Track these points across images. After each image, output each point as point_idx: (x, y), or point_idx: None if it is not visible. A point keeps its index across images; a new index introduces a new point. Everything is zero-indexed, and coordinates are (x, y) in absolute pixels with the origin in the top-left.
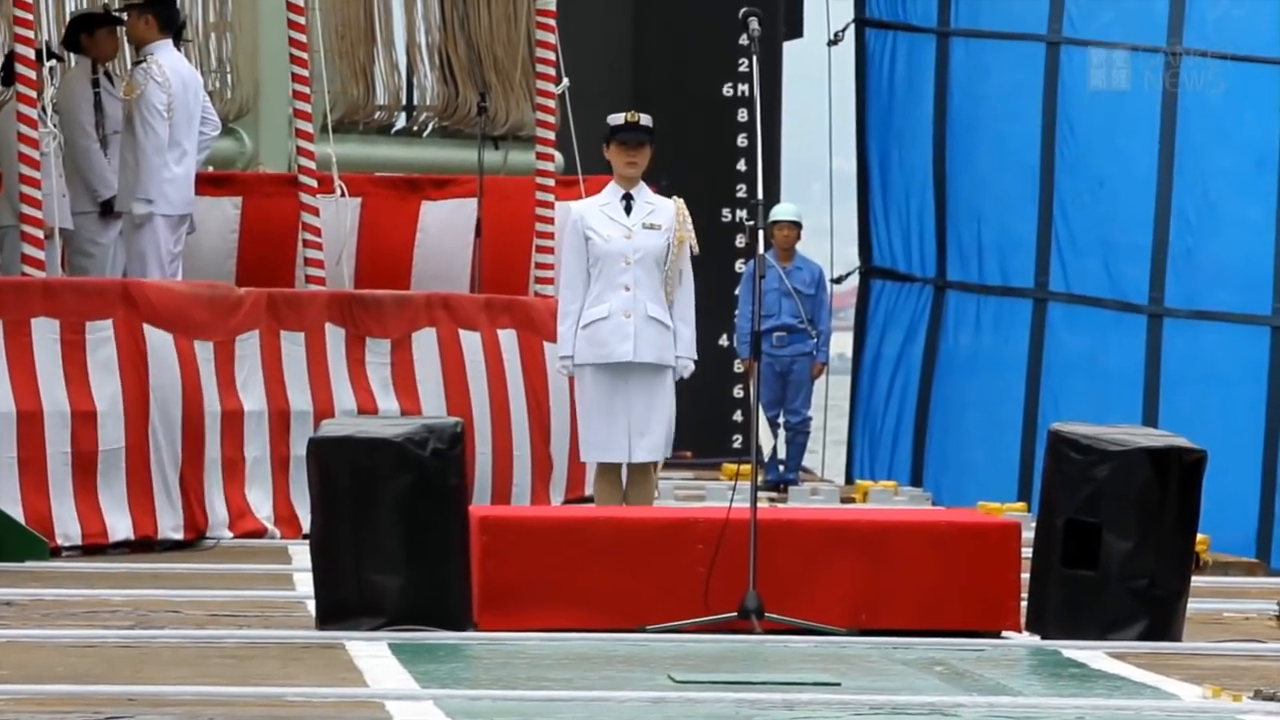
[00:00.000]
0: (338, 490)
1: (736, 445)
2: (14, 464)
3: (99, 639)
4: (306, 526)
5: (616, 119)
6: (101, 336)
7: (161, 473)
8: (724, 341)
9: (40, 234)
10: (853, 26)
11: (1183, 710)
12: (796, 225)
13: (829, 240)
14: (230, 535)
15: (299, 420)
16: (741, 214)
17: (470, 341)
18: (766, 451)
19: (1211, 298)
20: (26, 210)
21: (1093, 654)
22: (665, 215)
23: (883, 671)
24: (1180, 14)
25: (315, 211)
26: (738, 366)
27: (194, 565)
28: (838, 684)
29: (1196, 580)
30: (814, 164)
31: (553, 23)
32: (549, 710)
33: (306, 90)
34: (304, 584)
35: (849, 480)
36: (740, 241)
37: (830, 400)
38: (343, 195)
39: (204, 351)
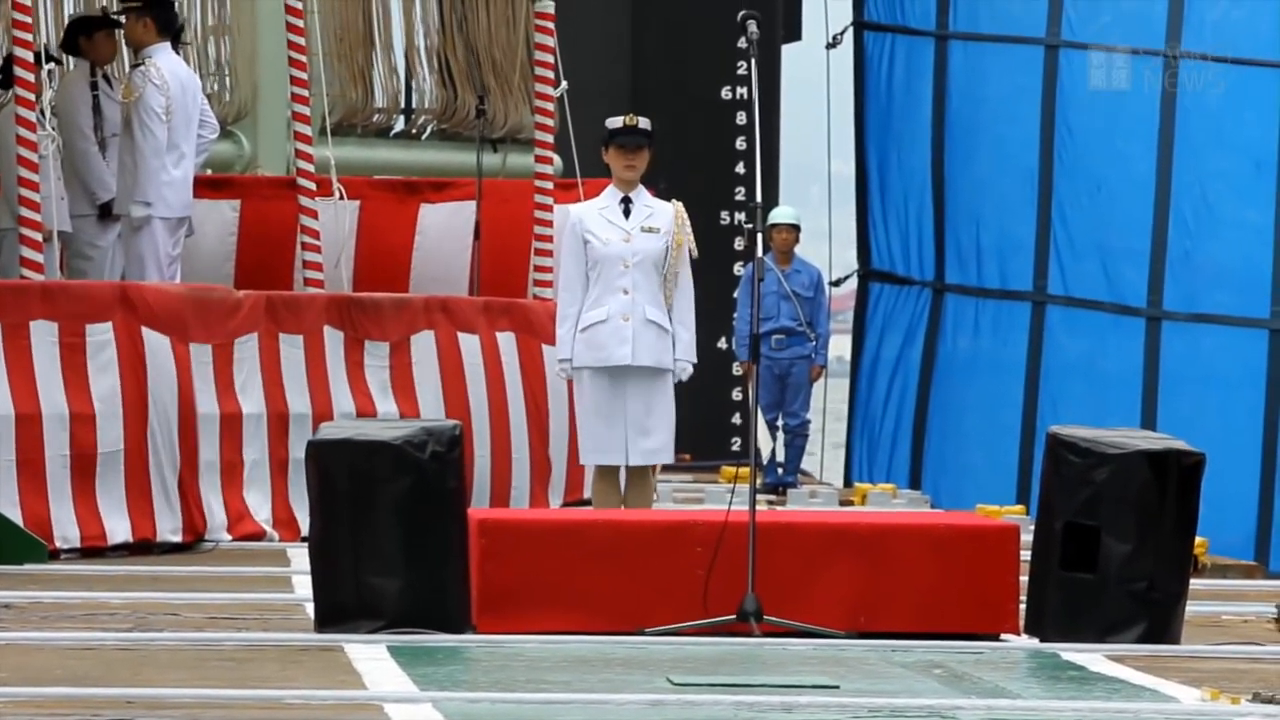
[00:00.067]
0: (336, 493)
1: (735, 448)
2: (12, 466)
3: (97, 641)
4: (305, 529)
5: (615, 122)
6: (100, 339)
7: (160, 475)
8: (722, 344)
9: (39, 237)
10: (851, 29)
11: (1181, 713)
12: (795, 228)
13: (827, 243)
14: (229, 538)
15: (298, 423)
16: (740, 217)
17: (469, 344)
18: (765, 454)
19: (1210, 300)
20: (25, 213)
21: (1091, 657)
22: (664, 218)
23: (881, 674)
24: (1179, 16)
25: (314, 214)
26: (736, 369)
27: (193, 568)
28: (836, 687)
29: (1195, 583)
30: (812, 167)
31: (551, 26)
32: (547, 713)
33: (305, 93)
34: (303, 587)
35: (847, 483)
36: (739, 244)
37: (829, 403)
38: (341, 198)
39: (202, 354)
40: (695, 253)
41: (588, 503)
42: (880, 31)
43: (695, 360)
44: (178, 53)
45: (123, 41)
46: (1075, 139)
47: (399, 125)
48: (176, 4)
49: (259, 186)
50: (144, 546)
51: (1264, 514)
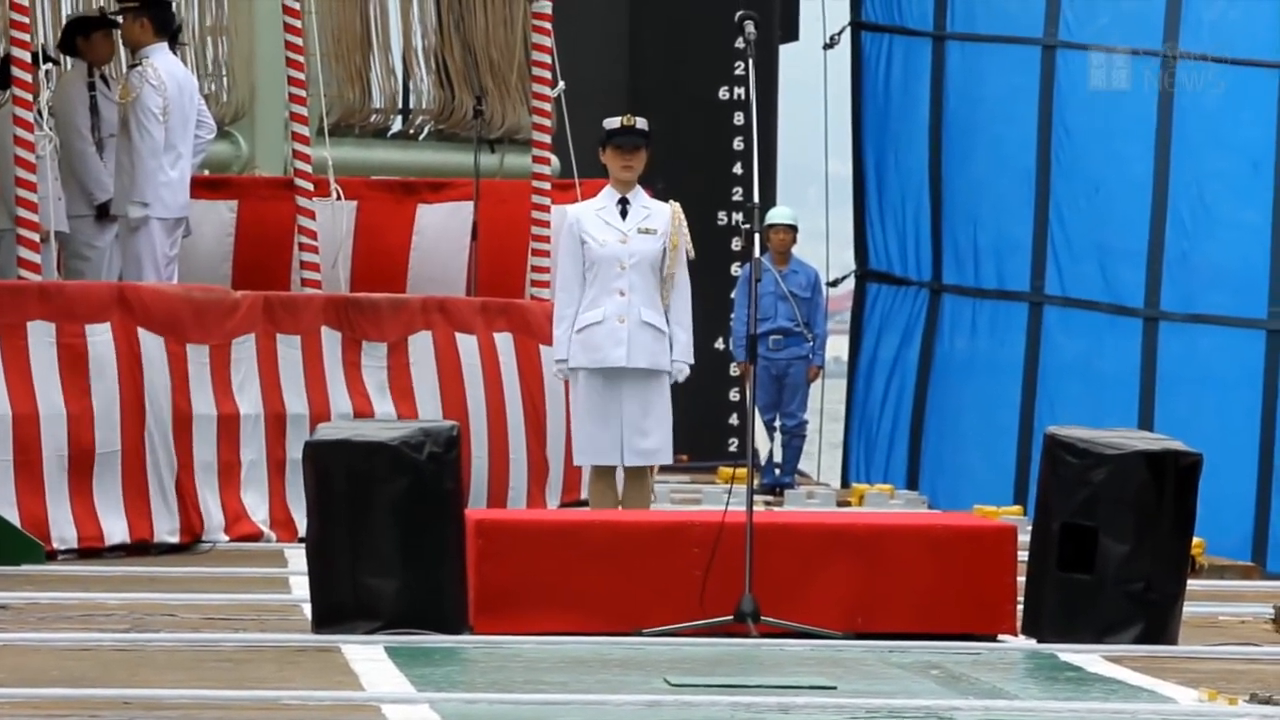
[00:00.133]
0: (334, 494)
1: (733, 449)
2: (9, 467)
3: (95, 642)
4: (302, 530)
5: (612, 123)
6: (97, 340)
7: (157, 476)
8: (720, 345)
9: (36, 237)
10: (848, 30)
11: (1179, 714)
12: (792, 229)
13: (825, 244)
14: (226, 539)
15: (295, 424)
16: (737, 217)
17: (466, 345)
18: (763, 455)
19: (1207, 301)
20: (22, 213)
21: (1089, 657)
22: (661, 220)
23: (878, 675)
24: (1176, 17)
25: (311, 215)
26: (733, 370)
27: (190, 569)
28: (833, 687)
29: (1192, 584)
30: (810, 167)
31: (549, 26)
32: (545, 714)
33: (302, 94)
34: (300, 587)
35: (845, 484)
36: (736, 245)
37: (826, 403)
38: (339, 198)
39: (200, 355)
40: (692, 254)
41: (585, 503)
42: (878, 32)
43: (692, 361)
44: (175, 53)
45: (120, 42)
46: (1073, 139)
47: (396, 126)
48: (174, 4)
49: (256, 187)
50: (141, 547)
51: (1261, 515)
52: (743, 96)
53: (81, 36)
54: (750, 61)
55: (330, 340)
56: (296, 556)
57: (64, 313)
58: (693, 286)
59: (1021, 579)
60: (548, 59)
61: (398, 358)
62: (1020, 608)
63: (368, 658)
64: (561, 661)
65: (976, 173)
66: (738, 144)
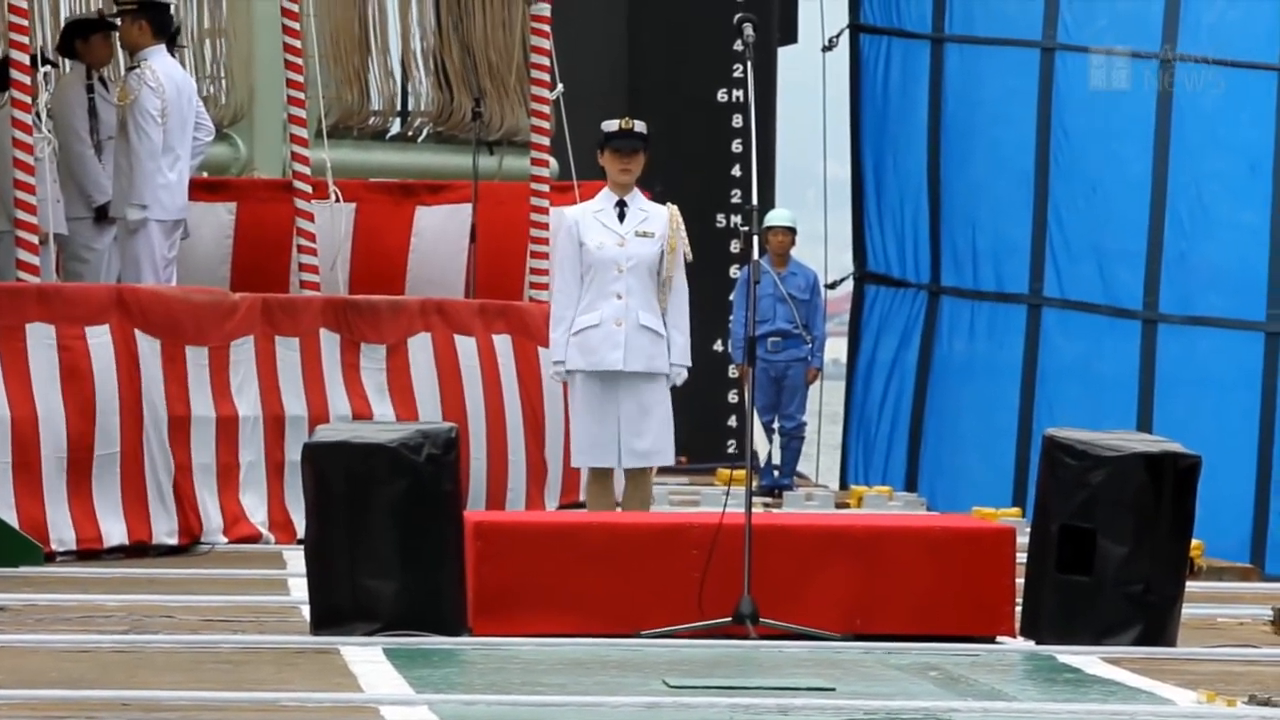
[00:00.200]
0: (332, 495)
1: (731, 450)
2: (8, 469)
3: (93, 644)
4: (301, 532)
5: (610, 126)
6: (96, 342)
7: (156, 478)
8: (718, 347)
9: (35, 239)
10: (847, 32)
11: (1177, 715)
12: (791, 231)
13: (823, 246)
14: (225, 540)
15: (294, 425)
16: (736, 219)
17: (465, 347)
18: (762, 457)
19: (1205, 303)
20: (21, 215)
21: (1087, 659)
22: (659, 223)
23: (877, 677)
24: (1175, 19)
25: (310, 217)
26: (732, 372)
27: (188, 570)
28: (832, 689)
29: (1191, 585)
30: (808, 169)
31: (547, 28)
32: (543, 715)
33: (301, 96)
34: (299, 589)
35: (843, 485)
36: (735, 247)
37: (825, 405)
38: (337, 201)
39: (198, 357)
40: (690, 257)
41: (583, 505)
42: (876, 34)
43: (689, 364)
44: (173, 55)
45: (118, 44)
46: (1071, 141)
47: (395, 128)
48: (172, 7)
49: (255, 189)
50: (140, 549)
51: (1260, 517)
52: (741, 99)
53: (80, 39)
54: (749, 64)
55: (329, 342)
56: (295, 558)
57: (63, 315)
58: (691, 289)
59: (1020, 581)
60: (546, 61)
61: (396, 360)
62: (1019, 609)
63: (366, 659)
64: (560, 663)
65: (975, 175)
66: (736, 146)
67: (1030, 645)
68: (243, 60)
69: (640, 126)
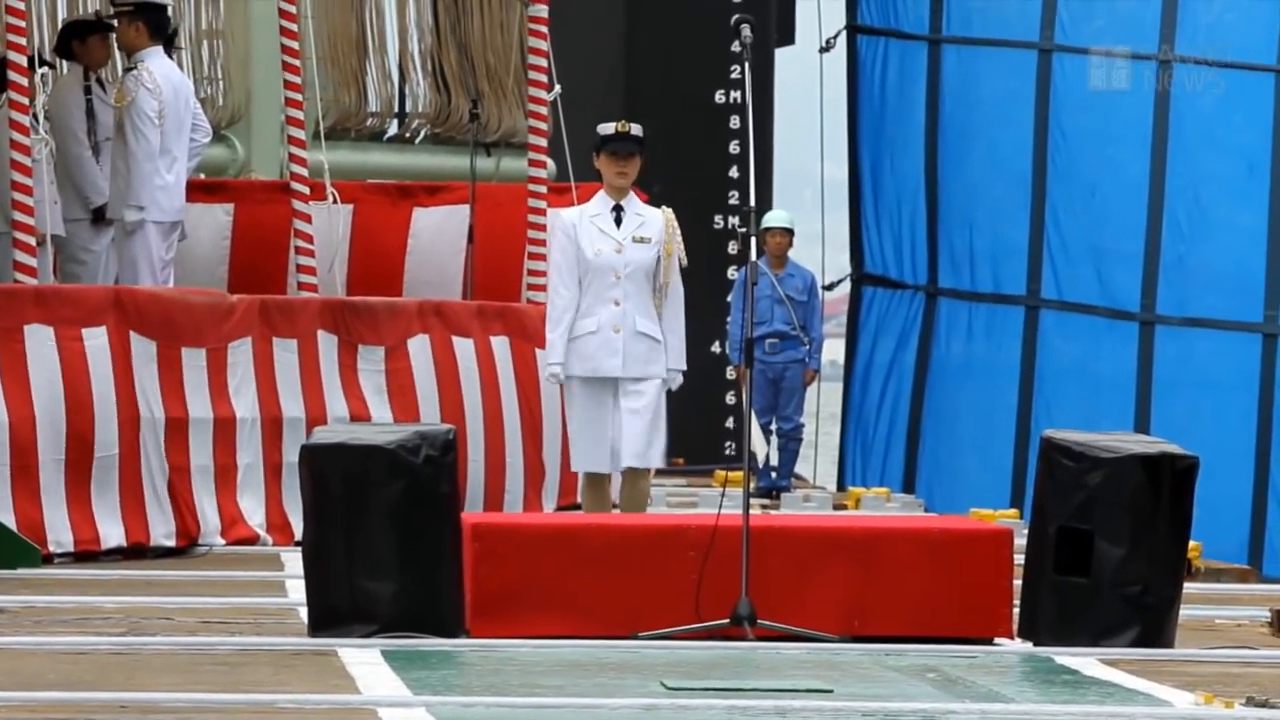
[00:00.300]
0: (330, 497)
1: (729, 452)
2: (6, 471)
3: (91, 646)
4: (299, 533)
5: (607, 129)
6: (93, 343)
7: (153, 480)
8: (716, 348)
9: (32, 241)
10: (844, 33)
11: (1175, 717)
12: (789, 232)
13: (821, 247)
14: (222, 542)
15: (291, 427)
16: (734, 221)
17: (463, 348)
18: (760, 458)
19: (1203, 304)
20: (19, 217)
21: (1085, 661)
22: (655, 227)
23: (875, 678)
24: (1172, 20)
25: (307, 218)
26: (730, 373)
27: (186, 572)
28: (830, 691)
29: (1188, 587)
30: (806, 171)
31: (545, 30)
32: (541, 717)
33: (298, 97)
34: (296, 591)
35: (841, 487)
36: (733, 248)
37: (822, 407)
38: (335, 202)
39: (196, 358)
40: (685, 261)
41: (581, 507)
42: (873, 35)
43: (685, 368)
44: (170, 57)
45: (115, 46)
46: (1068, 143)
47: (392, 129)
48: (169, 8)
49: (252, 190)
50: (137, 551)
51: (1257, 518)
52: (739, 100)
53: (77, 40)
54: (746, 65)
55: (326, 344)
56: (293, 560)
57: (60, 316)
58: (689, 290)
59: (1018, 582)
60: (544, 62)
61: (394, 361)
62: (1016, 611)
63: (364, 661)
64: (558, 665)
65: (972, 176)
66: (734, 147)
67: (1028, 647)
68: (240, 62)
69: (636, 129)
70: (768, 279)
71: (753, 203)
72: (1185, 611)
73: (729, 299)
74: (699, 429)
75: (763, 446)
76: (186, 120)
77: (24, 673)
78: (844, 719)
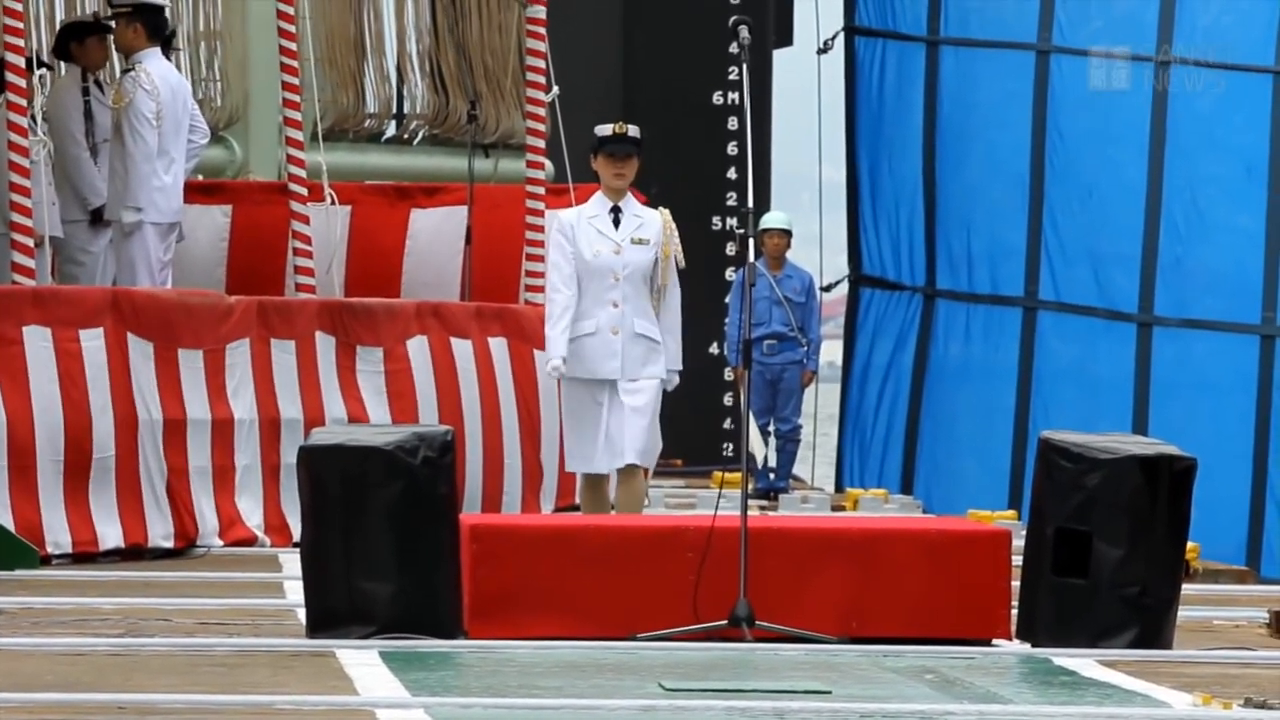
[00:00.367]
0: (328, 498)
1: (728, 453)
2: (4, 472)
3: (89, 647)
4: (297, 534)
5: (604, 130)
6: (91, 345)
7: (151, 481)
8: (714, 350)
9: (30, 242)
10: (842, 34)
11: (1173, 718)
12: (787, 233)
13: (819, 248)
14: (221, 543)
15: (289, 428)
16: (732, 222)
17: (461, 349)
18: (758, 460)
19: (1201, 306)
20: (17, 218)
21: (1083, 662)
22: (652, 229)
23: (873, 679)
24: (1170, 22)
25: (305, 219)
26: (728, 375)
27: (184, 573)
28: (828, 692)
29: (1187, 588)
30: (804, 172)
31: (543, 31)
32: (539, 718)
33: (296, 98)
34: (294, 592)
35: (839, 488)
36: (730, 249)
37: (820, 408)
38: (333, 203)
39: (194, 359)
40: (682, 263)
41: (579, 508)
42: (871, 37)
43: (681, 368)
44: (168, 58)
45: (113, 47)
46: (1066, 144)
47: (390, 130)
48: (167, 10)
49: (250, 192)
50: (136, 552)
51: (1255, 519)
52: (737, 101)
53: (75, 42)
54: (744, 66)
55: (324, 345)
56: (291, 561)
57: (58, 318)
58: (687, 292)
59: (1016, 583)
60: (542, 64)
61: (392, 362)
62: (1015, 612)
63: (362, 662)
64: (556, 666)
65: (970, 178)
66: (732, 149)
67: (1026, 648)
68: (238, 63)
69: (634, 131)
70: (766, 280)
71: (750, 204)
72: (1183, 612)
73: (727, 300)
74: (697, 430)
75: (761, 448)
76: (184, 121)
77: (22, 674)
78: None
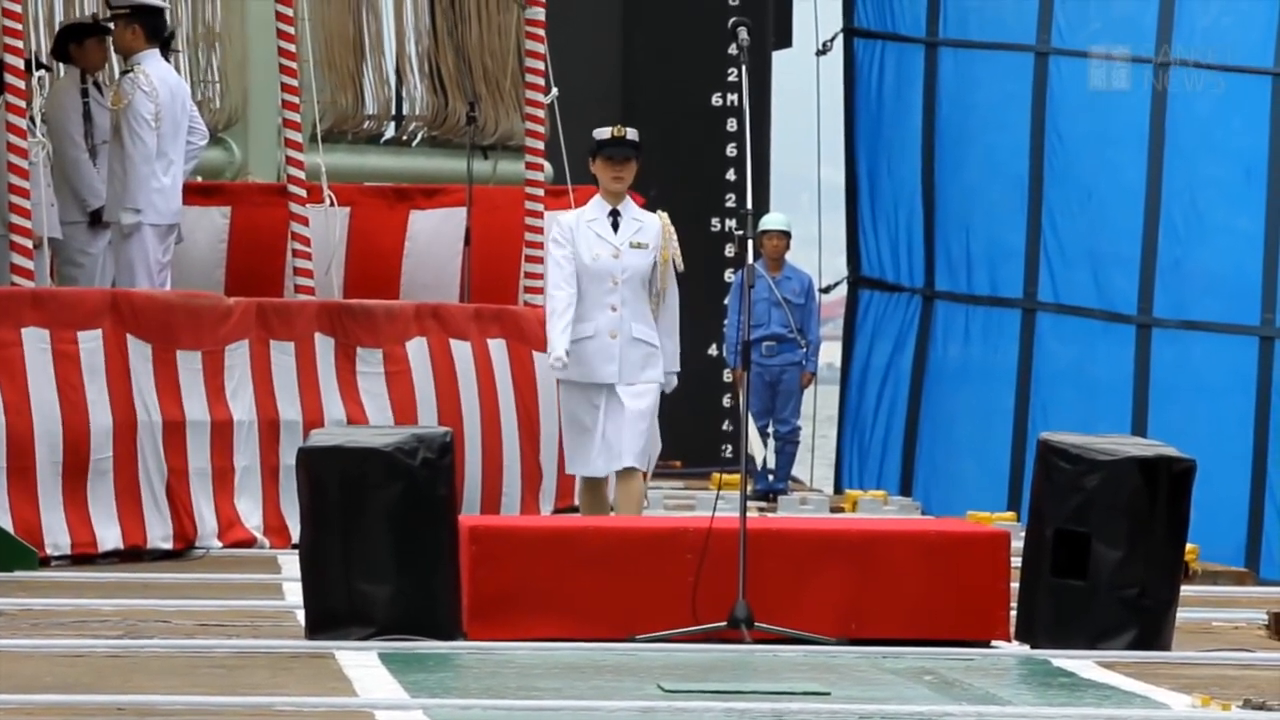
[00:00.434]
0: (327, 500)
1: (727, 455)
2: (3, 474)
3: (88, 649)
4: (296, 536)
5: (602, 133)
6: (90, 346)
7: (150, 482)
8: (713, 351)
9: (29, 244)
10: (841, 36)
11: (1172, 719)
12: (786, 235)
13: (817, 250)
14: (220, 545)
15: (288, 430)
16: (731, 223)
17: (460, 351)
18: (758, 461)
19: (1200, 308)
20: (16, 220)
21: (1082, 663)
22: (651, 233)
23: (872, 681)
24: (1169, 24)
25: (304, 221)
26: (727, 376)
27: (183, 575)
28: (827, 693)
29: (1186, 589)
30: (803, 174)
31: (542, 32)
32: (538, 719)
33: (295, 100)
34: (293, 593)
35: (838, 490)
36: (730, 251)
37: (819, 410)
38: (332, 205)
39: (193, 361)
40: (681, 266)
41: (578, 509)
42: (870, 38)
43: (679, 369)
44: (167, 60)
45: (112, 48)
46: (1065, 146)
47: (390, 132)
48: (166, 11)
49: (249, 193)
50: (135, 553)
51: (1254, 521)
52: (736, 103)
53: (74, 43)
54: (743, 68)
55: (324, 346)
56: (290, 563)
57: (57, 319)
58: (686, 293)
59: (1015, 585)
60: (541, 65)
61: (391, 364)
62: (1014, 613)
63: (361, 664)
64: (555, 667)
65: (969, 179)
66: (731, 150)
67: (1025, 649)
68: (237, 64)
69: (632, 134)
70: (765, 282)
71: (750, 205)
72: (1182, 614)
73: (726, 302)
74: (696, 432)
75: (760, 449)
76: (183, 123)
77: (21, 675)
78: None
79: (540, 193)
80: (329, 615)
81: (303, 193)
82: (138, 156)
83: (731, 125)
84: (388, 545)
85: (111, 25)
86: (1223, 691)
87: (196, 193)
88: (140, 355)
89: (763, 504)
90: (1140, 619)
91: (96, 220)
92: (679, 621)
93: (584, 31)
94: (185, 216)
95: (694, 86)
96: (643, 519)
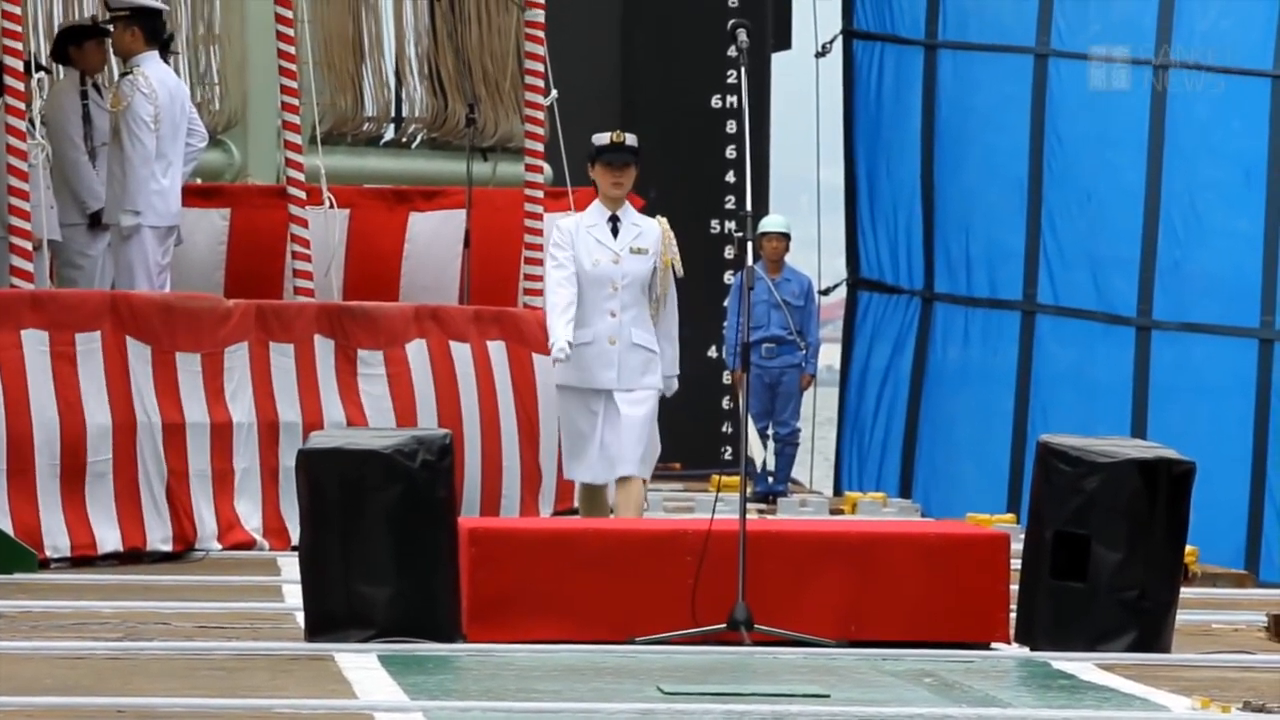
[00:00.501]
0: (327, 502)
1: (726, 457)
2: (3, 475)
3: (88, 651)
4: (295, 538)
5: (602, 139)
6: (90, 348)
7: (150, 484)
8: (713, 353)
9: (29, 245)
10: (840, 38)
11: None
12: (785, 237)
13: (817, 252)
14: (219, 547)
15: (288, 432)
16: (730, 225)
17: (460, 353)
18: (757, 463)
19: (1200, 310)
20: (15, 222)
21: (1082, 665)
22: (651, 238)
23: (871, 683)
24: (1169, 25)
25: (304, 223)
26: (726, 378)
27: (183, 577)
28: (827, 695)
29: (1185, 592)
30: (802, 175)
31: (541, 34)
32: None
33: (295, 102)
34: (293, 596)
35: (838, 492)
36: (729, 253)
37: (819, 411)
38: (331, 207)
39: (192, 363)
40: (680, 272)
41: (577, 512)
42: (869, 40)
43: (679, 372)
44: (166, 62)
45: (111, 50)
46: (1065, 148)
47: (389, 134)
48: (165, 13)
49: (249, 195)
50: (134, 555)
51: (1254, 523)
52: (735, 105)
53: (73, 45)
54: (743, 70)
55: (323, 348)
56: (289, 565)
57: (57, 321)
58: (685, 295)
59: (1014, 587)
60: (540, 67)
61: (391, 366)
62: (1013, 616)
63: (361, 666)
64: (555, 670)
65: (968, 181)
66: (730, 152)
67: (1025, 651)
68: (237, 66)
69: (631, 139)
70: (764, 284)
71: (749, 207)
72: (1182, 616)
73: (725, 304)
74: (696, 434)
75: (759, 451)
76: (182, 125)
77: (21, 678)
78: None
79: (540, 195)
80: (328, 617)
81: (302, 195)
82: (137, 158)
83: (731, 127)
84: (387, 547)
85: (111, 27)
86: (1222, 694)
87: (196, 195)
88: (140, 357)
89: (762, 506)
90: (1140, 621)
91: (96, 222)
92: (679, 624)
93: (583, 33)
94: (185, 218)
95: (693, 88)
96: (642, 521)
